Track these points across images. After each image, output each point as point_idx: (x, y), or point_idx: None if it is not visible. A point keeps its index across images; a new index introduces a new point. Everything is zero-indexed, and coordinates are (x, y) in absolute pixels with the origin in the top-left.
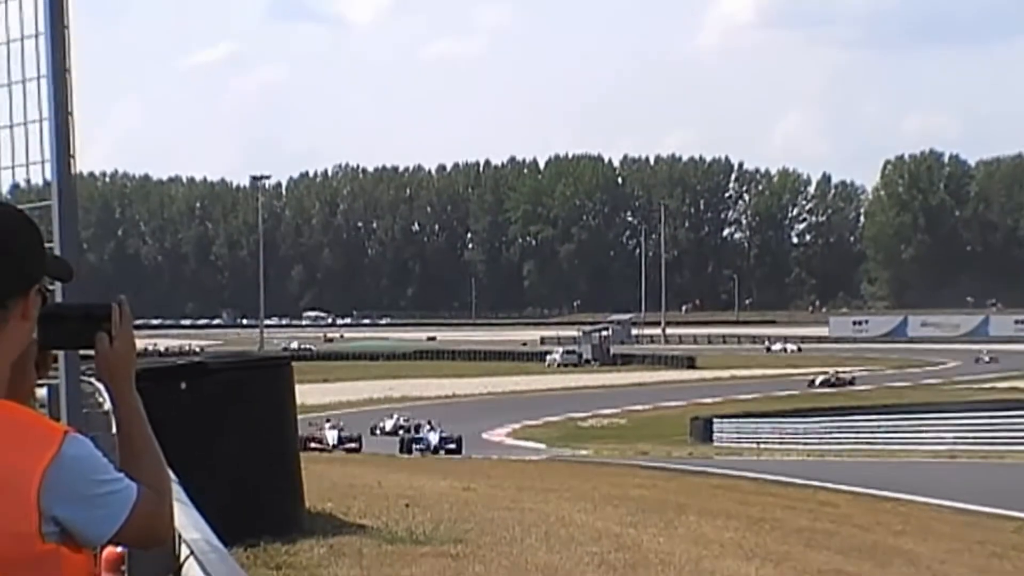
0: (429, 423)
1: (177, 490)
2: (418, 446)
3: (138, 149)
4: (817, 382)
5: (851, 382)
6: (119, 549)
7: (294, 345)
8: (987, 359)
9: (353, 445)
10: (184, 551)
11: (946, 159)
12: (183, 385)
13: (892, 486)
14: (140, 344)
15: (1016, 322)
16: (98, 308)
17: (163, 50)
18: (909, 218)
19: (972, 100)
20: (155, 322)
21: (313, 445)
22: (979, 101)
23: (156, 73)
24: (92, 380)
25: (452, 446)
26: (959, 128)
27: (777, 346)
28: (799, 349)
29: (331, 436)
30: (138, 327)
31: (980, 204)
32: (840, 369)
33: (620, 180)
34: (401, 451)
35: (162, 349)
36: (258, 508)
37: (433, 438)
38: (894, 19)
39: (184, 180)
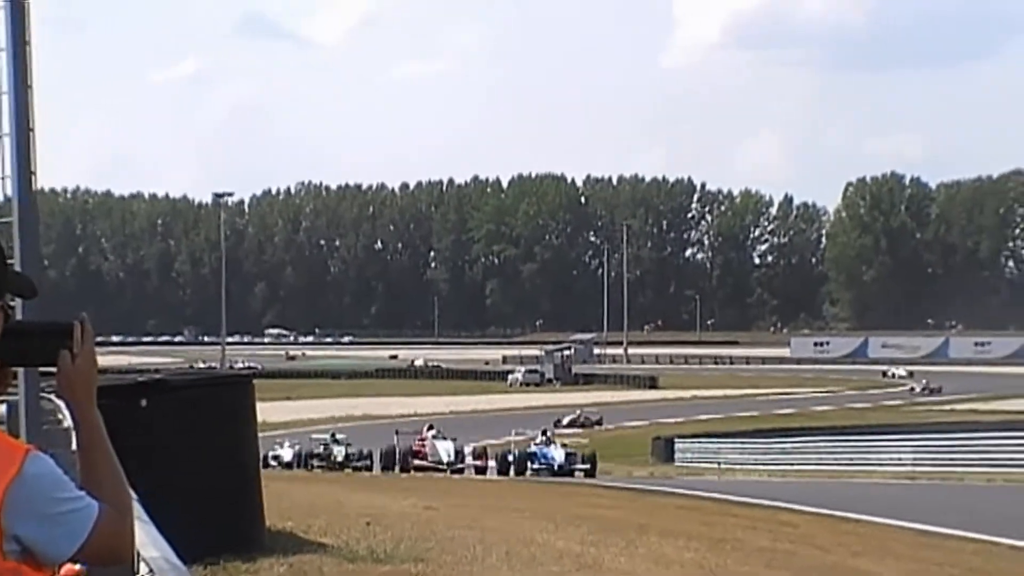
0: (333, 436)
1: (137, 508)
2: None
3: (100, 165)
4: (564, 421)
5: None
6: (78, 567)
7: (239, 364)
8: (919, 389)
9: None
10: (143, 569)
11: (907, 181)
12: (144, 402)
13: (852, 507)
14: (101, 361)
15: (976, 344)
16: (60, 325)
17: (127, 66)
18: (870, 240)
19: (934, 123)
20: (116, 339)
21: (316, 464)
22: (940, 124)
23: (119, 89)
24: (52, 397)
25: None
26: (920, 151)
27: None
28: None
29: (338, 452)
30: (99, 344)
31: (941, 226)
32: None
33: (583, 200)
34: (386, 468)
35: (124, 366)
36: (218, 526)
37: (444, 453)
38: (858, 42)
39: (146, 196)
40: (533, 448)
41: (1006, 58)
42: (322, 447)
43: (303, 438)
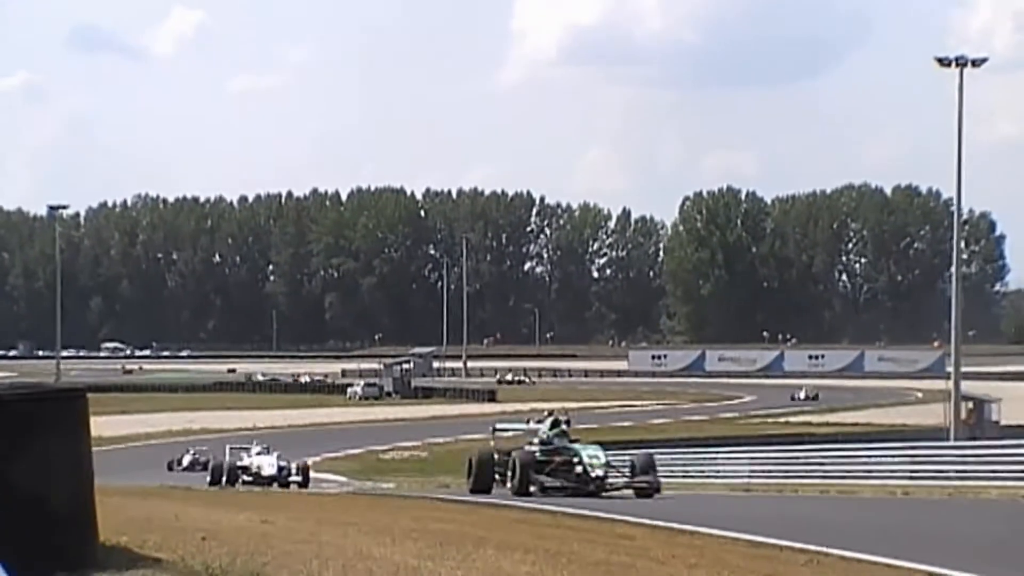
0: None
1: None
2: (248, 477)
3: None
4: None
5: None
6: None
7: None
8: (802, 396)
9: (296, 479)
10: None
11: (743, 196)
12: None
13: (688, 519)
14: None
15: (810, 357)
16: None
17: None
18: (707, 254)
19: (769, 139)
20: None
21: (246, 478)
22: (776, 140)
23: None
24: None
25: (298, 478)
26: (756, 166)
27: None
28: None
29: (268, 465)
30: None
31: (776, 241)
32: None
33: (423, 213)
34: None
35: None
36: (50, 541)
37: (268, 467)
38: (693, 57)
39: None
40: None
41: (839, 76)
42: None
43: (214, 445)
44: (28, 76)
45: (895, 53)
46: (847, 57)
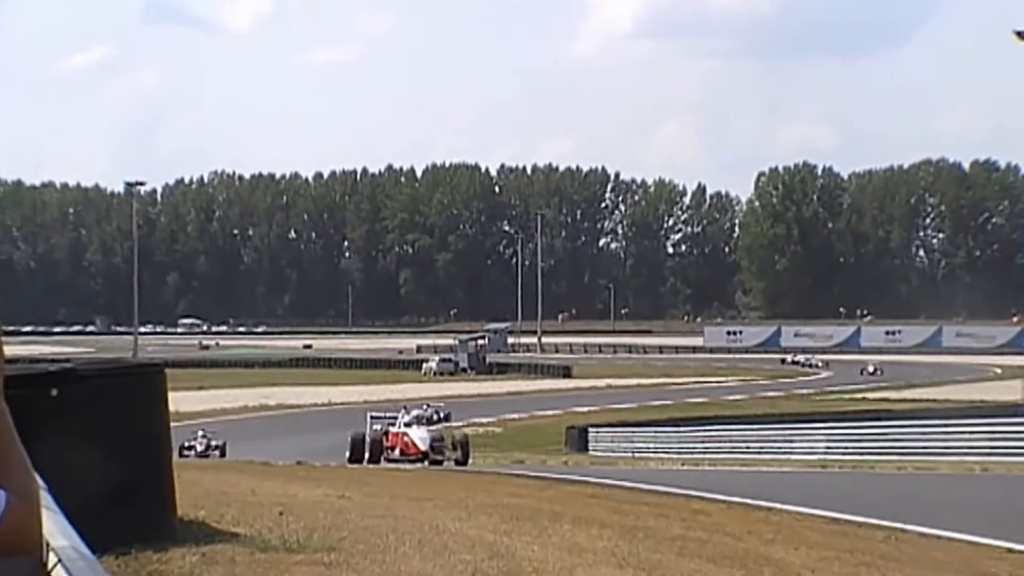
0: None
1: (46, 497)
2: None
3: (10, 154)
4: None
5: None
6: None
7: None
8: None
9: (455, 455)
10: (52, 559)
11: (819, 171)
12: (54, 392)
13: (764, 495)
14: (12, 350)
15: (887, 333)
16: None
17: (36, 53)
18: (783, 229)
19: (846, 113)
20: (27, 328)
21: (393, 455)
22: (853, 114)
23: (28, 77)
24: None
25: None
26: (833, 140)
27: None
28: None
29: (419, 440)
30: (10, 333)
31: (852, 216)
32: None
33: (497, 189)
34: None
35: (34, 355)
36: (129, 516)
37: (420, 441)
38: (769, 30)
39: (57, 186)
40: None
41: (917, 47)
42: None
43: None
44: (105, 51)
45: (973, 25)
46: (924, 29)
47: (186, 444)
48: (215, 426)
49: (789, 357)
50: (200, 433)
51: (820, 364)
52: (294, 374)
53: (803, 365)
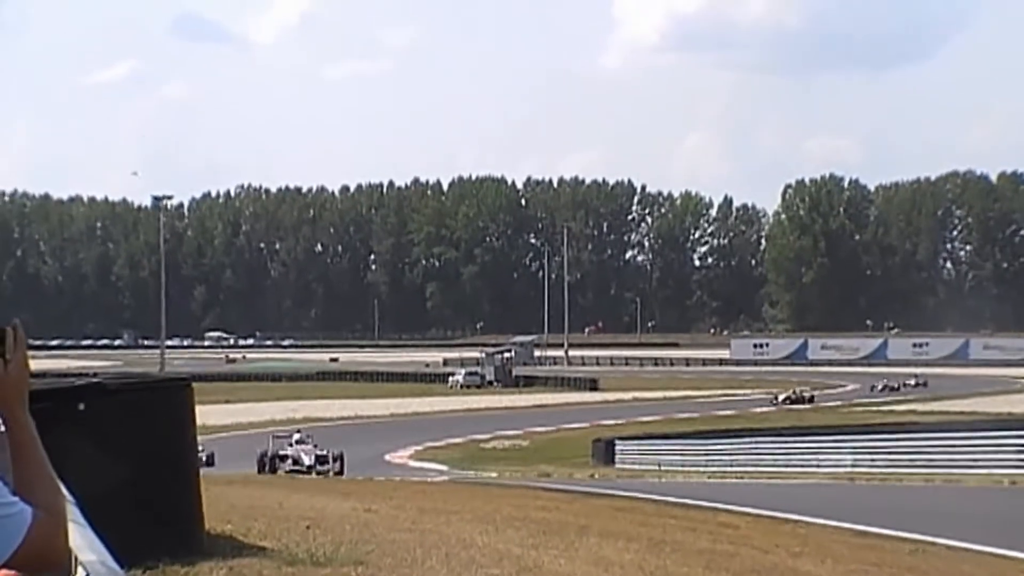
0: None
1: (74, 511)
2: (285, 465)
3: (37, 168)
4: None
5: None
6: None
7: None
8: (913, 383)
9: (333, 467)
10: (80, 573)
11: (846, 183)
12: (81, 406)
13: (791, 508)
14: (39, 364)
15: (914, 345)
16: None
17: (64, 67)
18: (809, 241)
19: (872, 125)
20: (54, 342)
21: (288, 468)
22: (879, 126)
23: (56, 91)
24: None
25: (330, 465)
26: (859, 152)
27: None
28: None
29: (305, 455)
30: (37, 347)
31: (879, 228)
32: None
33: (523, 202)
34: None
35: (61, 369)
36: (157, 530)
37: (306, 457)
38: (796, 43)
39: (84, 200)
40: (288, 449)
41: (944, 60)
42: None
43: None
44: (133, 65)
45: (1000, 38)
46: (950, 42)
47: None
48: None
49: (882, 382)
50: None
51: (918, 383)
52: (321, 388)
53: (902, 387)
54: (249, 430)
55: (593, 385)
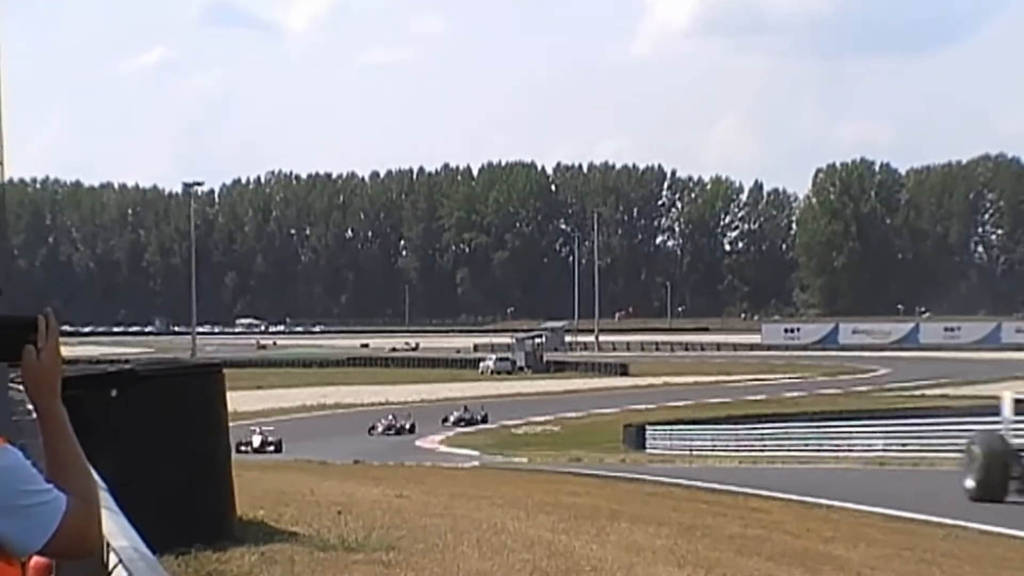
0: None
1: (106, 498)
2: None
3: (69, 155)
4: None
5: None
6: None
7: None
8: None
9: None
10: (113, 559)
11: (877, 167)
12: (113, 392)
13: (823, 493)
14: (71, 351)
15: (945, 329)
16: (24, 319)
17: (95, 55)
18: (840, 226)
19: (904, 109)
20: (86, 329)
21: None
22: (911, 110)
23: (88, 78)
24: (21, 388)
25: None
26: (890, 137)
27: None
28: None
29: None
30: (69, 334)
31: (910, 212)
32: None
33: (553, 188)
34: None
35: (93, 356)
36: (189, 516)
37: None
38: (826, 28)
39: (116, 187)
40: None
41: (975, 43)
42: None
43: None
44: (164, 52)
45: None
46: (983, 26)
47: (243, 441)
48: (273, 425)
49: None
50: (255, 429)
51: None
52: (351, 373)
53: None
54: (281, 415)
55: (623, 370)
